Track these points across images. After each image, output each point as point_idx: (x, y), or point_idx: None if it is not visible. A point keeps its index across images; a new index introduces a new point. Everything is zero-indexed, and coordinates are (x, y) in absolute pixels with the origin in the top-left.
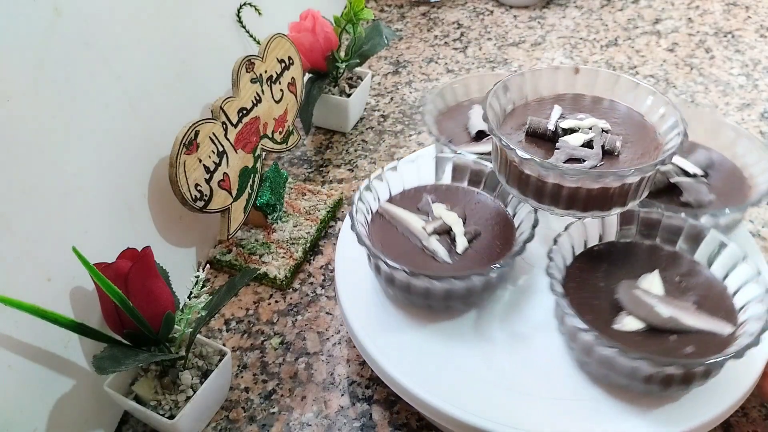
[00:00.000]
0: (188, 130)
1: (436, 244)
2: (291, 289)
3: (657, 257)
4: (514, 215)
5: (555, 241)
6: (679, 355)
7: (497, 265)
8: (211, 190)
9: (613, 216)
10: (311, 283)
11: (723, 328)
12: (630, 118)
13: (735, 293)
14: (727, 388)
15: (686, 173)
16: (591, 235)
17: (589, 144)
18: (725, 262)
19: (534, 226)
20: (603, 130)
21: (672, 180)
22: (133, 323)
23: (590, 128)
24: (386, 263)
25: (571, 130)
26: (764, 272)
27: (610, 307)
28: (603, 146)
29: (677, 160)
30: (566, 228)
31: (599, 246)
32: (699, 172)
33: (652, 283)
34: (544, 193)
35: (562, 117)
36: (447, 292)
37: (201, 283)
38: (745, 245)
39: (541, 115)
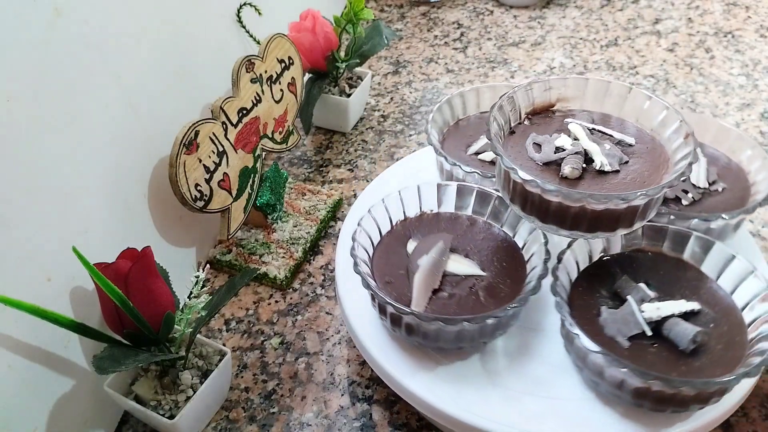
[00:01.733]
0: (188, 130)
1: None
2: (291, 289)
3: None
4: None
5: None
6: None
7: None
8: (211, 190)
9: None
10: (311, 283)
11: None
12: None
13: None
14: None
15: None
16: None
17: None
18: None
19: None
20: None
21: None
22: (133, 323)
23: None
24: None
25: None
26: None
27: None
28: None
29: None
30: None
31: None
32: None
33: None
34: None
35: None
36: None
37: (201, 283)
38: (744, 245)
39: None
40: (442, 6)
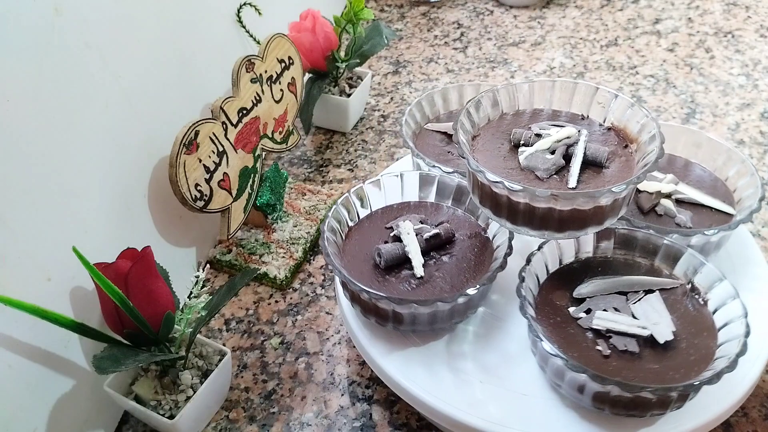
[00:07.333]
0: (188, 130)
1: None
2: (291, 289)
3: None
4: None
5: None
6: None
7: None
8: (211, 190)
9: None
10: (311, 283)
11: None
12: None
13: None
14: (727, 388)
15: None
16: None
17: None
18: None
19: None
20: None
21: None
22: (133, 323)
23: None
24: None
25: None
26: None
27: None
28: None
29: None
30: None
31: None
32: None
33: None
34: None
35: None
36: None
37: (201, 283)
38: (745, 245)
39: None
40: (442, 6)
